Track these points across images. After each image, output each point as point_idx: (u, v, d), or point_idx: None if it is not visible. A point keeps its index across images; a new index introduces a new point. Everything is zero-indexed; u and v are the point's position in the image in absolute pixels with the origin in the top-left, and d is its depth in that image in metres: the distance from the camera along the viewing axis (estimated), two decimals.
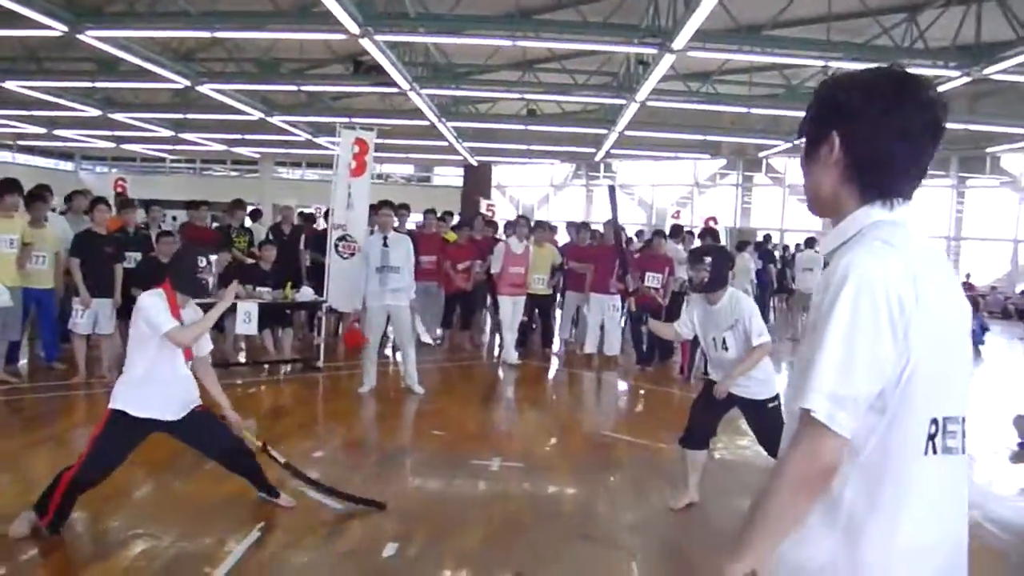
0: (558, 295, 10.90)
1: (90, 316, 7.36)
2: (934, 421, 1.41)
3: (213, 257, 4.28)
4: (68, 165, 30.84)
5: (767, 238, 17.74)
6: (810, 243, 13.91)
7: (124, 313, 6.95)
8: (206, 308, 4.26)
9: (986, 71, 10.89)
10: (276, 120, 18.81)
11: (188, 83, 14.46)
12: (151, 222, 9.54)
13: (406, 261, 7.56)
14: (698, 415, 4.88)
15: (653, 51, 11.26)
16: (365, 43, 11.23)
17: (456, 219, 12.32)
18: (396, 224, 8.23)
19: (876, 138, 1.46)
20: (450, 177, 30.55)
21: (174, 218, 15.29)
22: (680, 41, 10.14)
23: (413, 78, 14.16)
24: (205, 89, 15.22)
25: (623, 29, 11.54)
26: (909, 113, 1.45)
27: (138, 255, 7.95)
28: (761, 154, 23.05)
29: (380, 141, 10.79)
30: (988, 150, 20.11)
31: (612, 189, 4.95)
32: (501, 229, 12.21)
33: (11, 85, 15.77)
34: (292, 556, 3.88)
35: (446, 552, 3.98)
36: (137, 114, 19.36)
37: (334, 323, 10.32)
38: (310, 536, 4.13)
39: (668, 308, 9.60)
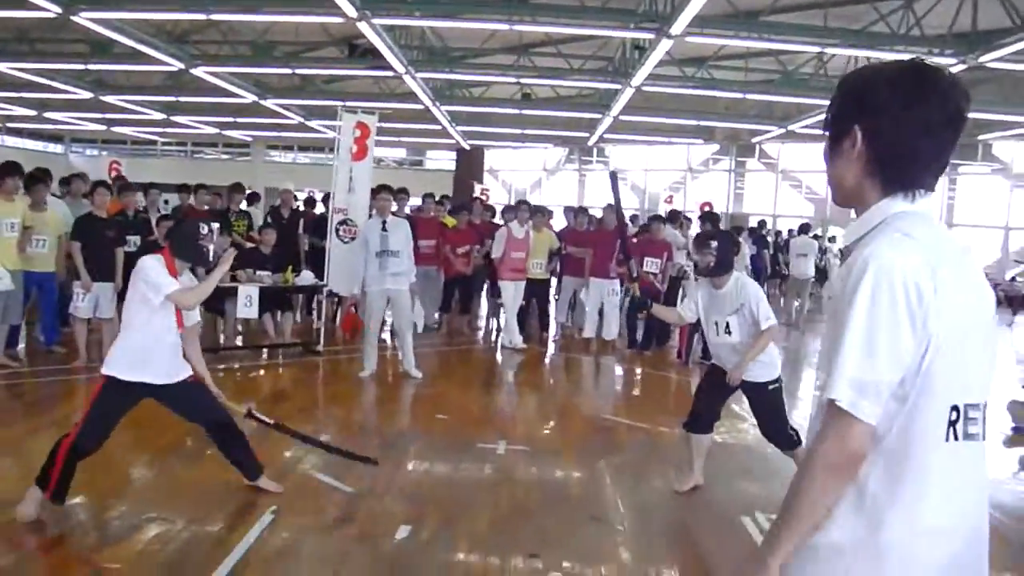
0: (554, 280, 10.94)
1: (91, 300, 7.35)
2: (955, 408, 1.45)
3: (215, 225, 4.28)
4: (58, 148, 30.57)
5: (761, 224, 17.77)
6: (804, 229, 13.97)
7: (125, 297, 6.93)
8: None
9: (982, 59, 10.93)
10: (270, 103, 18.71)
11: (182, 66, 14.36)
12: (149, 205, 9.49)
13: (405, 245, 7.56)
14: (703, 400, 4.94)
15: (650, 36, 11.26)
16: (362, 26, 11.20)
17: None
18: (395, 208, 8.23)
19: (898, 133, 1.48)
20: (443, 161, 30.48)
21: (166, 201, 15.18)
22: (678, 26, 10.15)
23: (409, 61, 14.11)
24: (199, 72, 15.12)
25: (620, 14, 11.54)
26: (931, 107, 1.46)
27: (137, 239, 7.92)
28: (754, 139, 23.07)
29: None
30: (980, 137, 20.19)
31: (614, 175, 4.96)
32: (499, 213, 12.20)
33: (1, 67, 15.62)
34: (306, 539, 3.91)
35: (458, 535, 4.03)
36: (129, 96, 19.22)
37: (333, 308, 10.33)
38: (322, 520, 4.17)
39: (666, 294, 9.66)
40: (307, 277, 8.79)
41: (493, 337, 10.68)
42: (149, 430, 5.06)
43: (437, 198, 11.31)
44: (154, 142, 30.10)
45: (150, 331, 4.00)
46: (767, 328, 4.52)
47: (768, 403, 4.74)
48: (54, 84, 16.99)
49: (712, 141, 25.59)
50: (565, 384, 8.66)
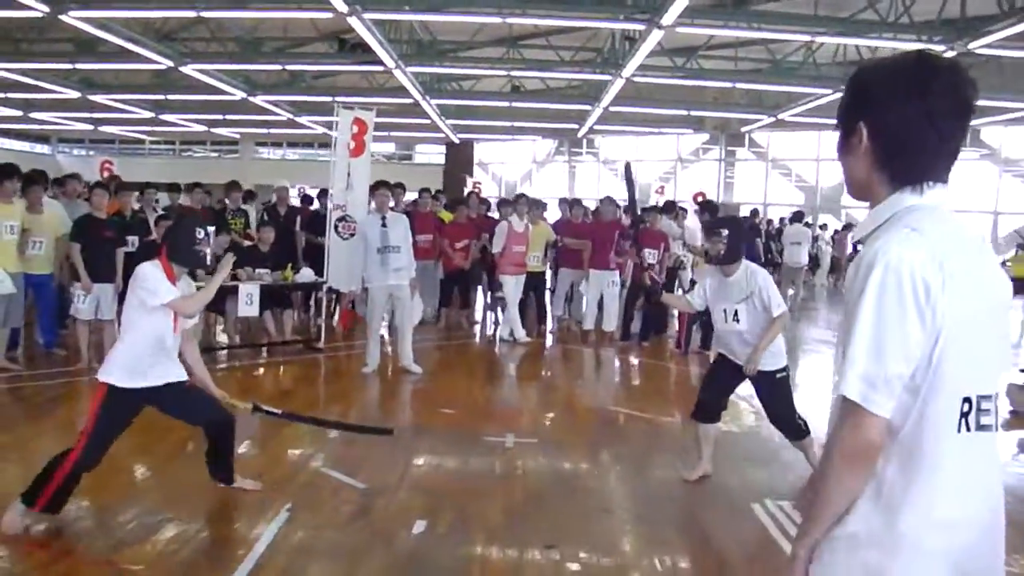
0: (549, 272, 10.96)
1: (92, 301, 7.31)
2: (967, 400, 1.47)
3: (211, 229, 4.25)
4: (44, 148, 30.34)
5: (754, 212, 17.79)
6: (797, 217, 14.03)
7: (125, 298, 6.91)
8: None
9: (971, 45, 10.99)
10: (259, 100, 18.62)
11: (171, 63, 14.27)
12: (145, 205, 9.43)
13: (405, 240, 7.57)
14: (710, 389, 4.99)
15: (641, 27, 11.28)
16: (353, 21, 11.15)
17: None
18: (392, 204, 8.23)
19: (901, 126, 1.50)
20: (432, 155, 30.42)
21: (156, 201, 15.10)
22: (669, 17, 10.16)
23: (398, 56, 14.07)
24: (188, 69, 15.03)
25: (611, 5, 11.54)
26: (934, 98, 1.48)
27: (135, 239, 7.89)
28: (744, 129, 23.14)
29: None
30: (969, 123, 20.29)
31: (628, 167, 4.98)
32: (493, 207, 12.21)
33: None
34: (324, 535, 3.93)
35: (474, 528, 4.06)
36: (117, 95, 19.09)
37: (331, 304, 10.31)
38: (338, 516, 4.19)
39: (663, 285, 9.69)
40: (306, 274, 8.78)
41: (491, 331, 10.70)
42: (150, 435, 5.02)
43: (432, 192, 11.31)
44: (142, 141, 29.91)
45: (148, 337, 3.98)
46: (779, 315, 4.56)
47: (776, 391, 4.79)
48: (40, 84, 16.84)
49: (702, 131, 25.67)
50: (567, 376, 8.69)
